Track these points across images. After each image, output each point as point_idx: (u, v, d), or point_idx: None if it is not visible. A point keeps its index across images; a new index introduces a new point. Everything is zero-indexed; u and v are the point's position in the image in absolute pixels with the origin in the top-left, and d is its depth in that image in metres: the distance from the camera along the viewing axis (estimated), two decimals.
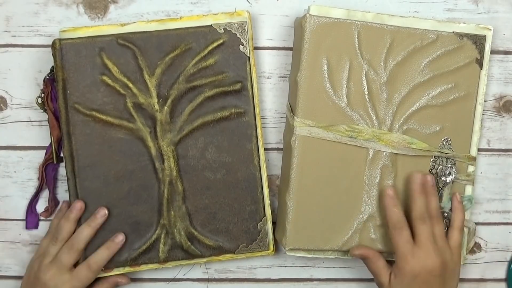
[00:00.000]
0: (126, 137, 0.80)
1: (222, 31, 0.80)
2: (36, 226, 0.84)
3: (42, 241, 0.81)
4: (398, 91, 0.80)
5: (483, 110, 0.84)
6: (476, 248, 0.87)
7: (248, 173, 0.81)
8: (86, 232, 0.78)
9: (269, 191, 0.82)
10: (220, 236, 0.81)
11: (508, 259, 0.87)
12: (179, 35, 0.79)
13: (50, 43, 0.79)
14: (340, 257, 0.81)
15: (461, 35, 0.80)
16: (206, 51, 0.80)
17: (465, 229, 0.81)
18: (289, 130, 0.81)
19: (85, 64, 0.79)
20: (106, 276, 0.81)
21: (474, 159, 0.82)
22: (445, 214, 0.80)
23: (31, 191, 0.84)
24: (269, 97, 0.84)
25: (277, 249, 0.85)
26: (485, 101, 0.84)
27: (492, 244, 0.87)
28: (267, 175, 0.82)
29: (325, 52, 0.78)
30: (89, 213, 0.79)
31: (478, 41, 0.80)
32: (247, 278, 0.86)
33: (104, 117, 0.79)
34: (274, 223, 0.84)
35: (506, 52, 0.85)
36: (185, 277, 0.86)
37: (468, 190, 0.82)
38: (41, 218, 0.84)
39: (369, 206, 0.80)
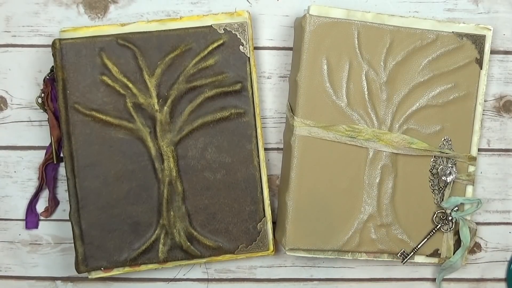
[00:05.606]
0: (126, 137, 0.80)
1: (222, 31, 0.80)
2: (36, 226, 0.84)
3: None
4: (398, 91, 0.80)
5: (483, 110, 0.84)
6: (476, 248, 0.87)
7: (248, 173, 0.81)
8: None
9: (269, 191, 0.82)
10: (220, 236, 0.81)
11: (508, 259, 0.87)
12: (179, 35, 0.79)
13: (50, 43, 0.79)
14: (340, 257, 0.81)
15: (461, 35, 0.80)
16: (206, 52, 0.80)
17: (467, 228, 0.81)
18: (289, 130, 0.81)
19: (85, 64, 0.79)
20: None
21: (475, 159, 0.82)
22: (448, 216, 0.81)
23: (31, 191, 0.84)
24: (269, 97, 0.84)
25: (277, 249, 0.85)
26: (485, 101, 0.84)
27: (492, 244, 0.87)
28: (267, 175, 0.82)
29: (325, 52, 0.78)
30: (88, 213, 0.79)
31: (478, 41, 0.80)
32: (247, 278, 0.86)
33: (104, 117, 0.79)
34: (274, 223, 0.84)
35: (506, 52, 0.85)
36: (185, 277, 0.86)
37: (469, 190, 0.82)
38: (41, 218, 0.85)
39: (369, 206, 0.80)
